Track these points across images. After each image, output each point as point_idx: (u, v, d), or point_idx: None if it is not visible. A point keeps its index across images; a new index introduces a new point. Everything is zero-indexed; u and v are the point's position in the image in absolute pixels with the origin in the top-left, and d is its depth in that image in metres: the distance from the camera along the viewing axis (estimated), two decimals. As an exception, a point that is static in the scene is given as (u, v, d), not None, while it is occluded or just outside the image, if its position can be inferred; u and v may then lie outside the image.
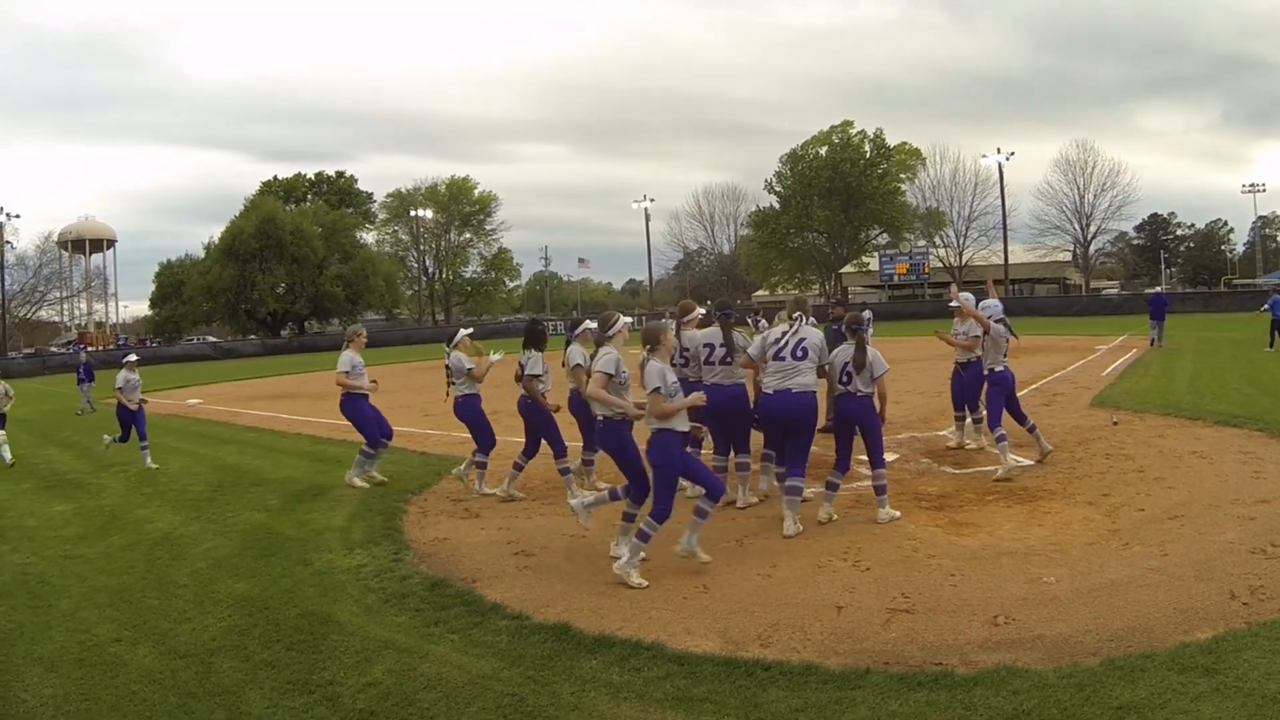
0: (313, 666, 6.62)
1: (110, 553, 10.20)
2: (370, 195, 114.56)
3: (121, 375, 17.65)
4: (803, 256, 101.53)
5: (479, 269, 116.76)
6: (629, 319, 10.20)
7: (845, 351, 10.14)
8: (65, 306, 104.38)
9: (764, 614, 7.35)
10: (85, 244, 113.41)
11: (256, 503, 12.40)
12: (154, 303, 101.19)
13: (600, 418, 9.08)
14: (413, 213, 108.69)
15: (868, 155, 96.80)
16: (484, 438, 12.67)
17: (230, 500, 12.65)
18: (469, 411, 12.67)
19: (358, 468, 13.30)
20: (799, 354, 9.97)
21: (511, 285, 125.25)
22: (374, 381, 13.67)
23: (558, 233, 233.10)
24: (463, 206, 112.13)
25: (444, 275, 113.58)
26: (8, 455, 17.56)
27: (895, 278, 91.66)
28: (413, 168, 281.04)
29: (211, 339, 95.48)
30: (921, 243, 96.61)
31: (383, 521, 10.90)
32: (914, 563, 8.47)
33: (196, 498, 12.96)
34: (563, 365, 11.83)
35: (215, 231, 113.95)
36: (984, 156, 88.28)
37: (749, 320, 17.02)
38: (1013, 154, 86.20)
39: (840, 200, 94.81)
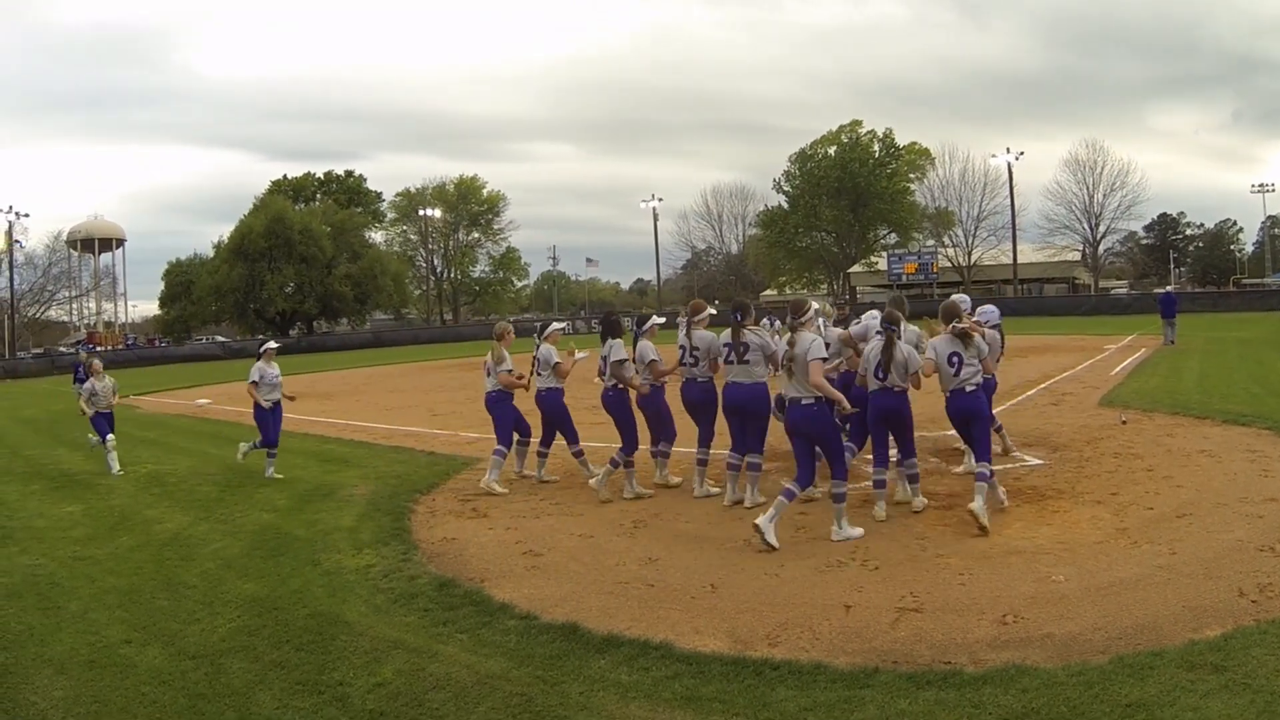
0: (322, 667, 6.63)
1: (119, 554, 10.20)
2: (379, 195, 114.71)
3: (256, 368, 14.69)
4: (811, 256, 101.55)
5: (487, 268, 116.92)
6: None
7: (875, 348, 10.26)
8: (74, 306, 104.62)
9: (772, 613, 7.35)
10: (94, 243, 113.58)
11: (265, 503, 12.41)
12: (163, 302, 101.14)
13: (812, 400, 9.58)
14: (421, 212, 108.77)
15: (877, 155, 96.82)
16: (568, 431, 12.84)
17: (239, 500, 12.66)
18: (552, 405, 12.79)
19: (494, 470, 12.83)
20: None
21: (519, 285, 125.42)
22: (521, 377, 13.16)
23: (566, 232, 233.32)
24: (471, 206, 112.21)
25: (452, 275, 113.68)
26: (115, 465, 15.97)
27: (904, 277, 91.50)
28: (423, 166, 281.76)
29: (220, 339, 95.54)
30: (930, 242, 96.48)
31: (391, 522, 10.91)
32: (922, 562, 8.46)
33: (205, 498, 12.97)
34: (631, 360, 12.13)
35: (224, 231, 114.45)
36: (993, 156, 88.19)
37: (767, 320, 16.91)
38: (1022, 153, 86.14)
39: (849, 200, 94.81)
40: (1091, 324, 53.73)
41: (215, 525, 11.31)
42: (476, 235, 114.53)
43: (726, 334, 11.07)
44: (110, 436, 16.30)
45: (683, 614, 7.44)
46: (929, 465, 12.63)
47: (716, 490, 11.63)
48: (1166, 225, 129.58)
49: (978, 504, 9.37)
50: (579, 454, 12.82)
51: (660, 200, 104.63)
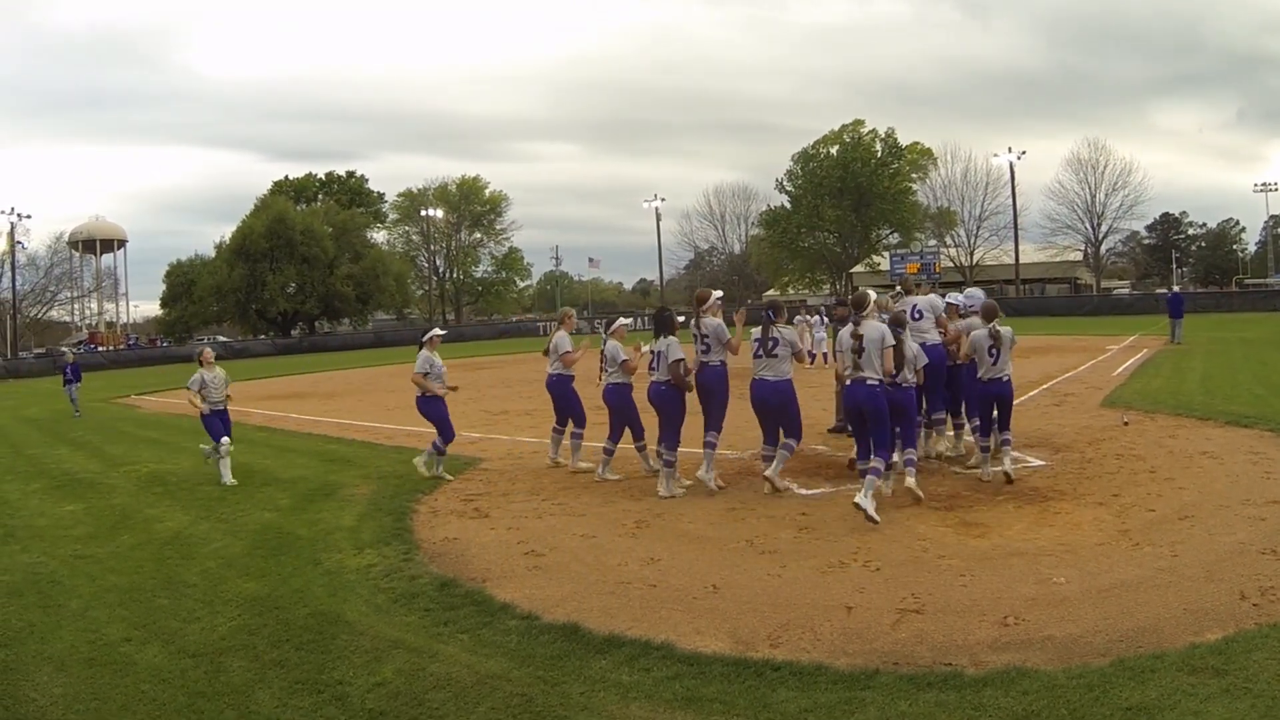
0: (322, 666, 6.63)
1: (120, 552, 10.21)
2: (381, 195, 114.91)
3: (425, 358, 14.08)
4: (813, 256, 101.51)
5: (489, 268, 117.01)
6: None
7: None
8: (76, 306, 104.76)
9: (773, 614, 7.34)
10: (96, 244, 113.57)
11: (266, 502, 12.42)
12: (164, 303, 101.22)
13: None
14: (423, 212, 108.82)
15: (879, 155, 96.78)
16: (634, 425, 13.07)
17: (240, 500, 12.66)
18: (620, 399, 12.97)
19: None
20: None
21: (522, 285, 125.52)
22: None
23: (569, 232, 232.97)
24: (473, 206, 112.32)
25: (454, 275, 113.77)
26: (227, 474, 14.20)
27: (906, 277, 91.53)
28: (425, 166, 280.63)
29: (222, 339, 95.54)
30: (932, 242, 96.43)
31: (392, 521, 10.92)
32: (924, 563, 8.45)
33: (206, 497, 12.97)
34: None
35: (226, 231, 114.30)
36: (995, 155, 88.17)
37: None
38: (1024, 153, 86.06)
39: (851, 200, 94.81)
40: (1093, 324, 53.73)
41: (216, 524, 11.32)
42: (479, 235, 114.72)
43: (757, 330, 11.59)
44: (226, 440, 14.40)
45: (684, 614, 7.44)
46: (930, 465, 12.63)
47: (721, 485, 11.95)
48: (1169, 225, 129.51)
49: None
50: (641, 448, 13.19)
51: (663, 200, 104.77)
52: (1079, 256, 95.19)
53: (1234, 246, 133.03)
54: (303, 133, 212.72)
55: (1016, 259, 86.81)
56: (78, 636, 7.51)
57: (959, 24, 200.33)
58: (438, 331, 14.21)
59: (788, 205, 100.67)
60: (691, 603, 7.72)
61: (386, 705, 5.93)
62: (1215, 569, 7.78)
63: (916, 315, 12.69)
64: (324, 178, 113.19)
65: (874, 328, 10.56)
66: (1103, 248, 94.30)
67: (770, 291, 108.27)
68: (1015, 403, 12.59)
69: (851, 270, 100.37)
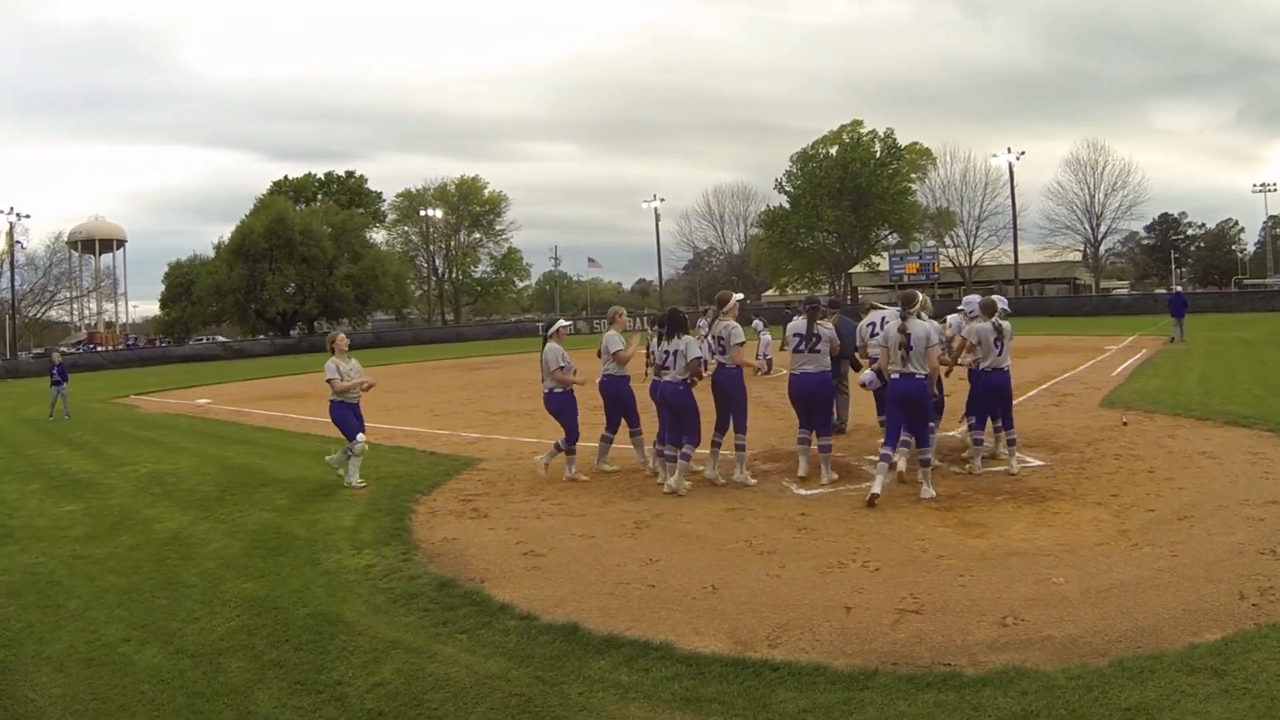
0: (321, 666, 6.62)
1: (119, 553, 10.20)
2: (380, 195, 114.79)
3: (561, 353, 13.28)
4: (812, 256, 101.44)
5: (489, 269, 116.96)
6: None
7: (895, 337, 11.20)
8: (75, 306, 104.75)
9: (772, 614, 7.34)
10: (95, 244, 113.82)
11: (265, 503, 12.41)
12: (163, 303, 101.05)
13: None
14: (422, 213, 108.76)
15: (878, 155, 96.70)
16: (630, 416, 13.38)
17: (239, 500, 12.65)
18: (615, 390, 13.26)
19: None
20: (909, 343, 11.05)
21: (521, 285, 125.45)
22: None
23: (568, 232, 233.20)
24: (472, 206, 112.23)
25: (453, 275, 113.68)
26: (355, 476, 13.33)
27: (905, 277, 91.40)
28: (424, 166, 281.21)
29: (221, 339, 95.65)
30: (931, 243, 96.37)
31: (391, 522, 10.91)
32: (923, 563, 8.45)
33: (205, 498, 12.97)
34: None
35: (225, 231, 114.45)
36: (994, 156, 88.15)
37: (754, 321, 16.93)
38: (1023, 153, 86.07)
39: (850, 200, 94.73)
40: (1092, 324, 53.76)
41: (215, 525, 11.31)
42: (478, 236, 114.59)
43: (799, 324, 12.20)
44: (362, 437, 13.52)
45: (683, 615, 7.44)
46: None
47: (720, 480, 12.20)
48: (1168, 225, 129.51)
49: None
50: (638, 440, 13.42)
51: (662, 200, 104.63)
52: (1078, 257, 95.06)
53: (1233, 247, 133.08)
54: (302, 133, 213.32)
55: (1015, 259, 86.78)
56: (76, 637, 7.50)
57: (959, 24, 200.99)
58: (563, 323, 13.91)
59: (787, 206, 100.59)
60: (690, 603, 7.72)
61: (385, 705, 5.93)
62: (1214, 569, 7.78)
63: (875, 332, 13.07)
64: (323, 178, 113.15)
65: (920, 326, 11.07)
66: (1102, 248, 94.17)
67: (769, 292, 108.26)
68: (1014, 403, 12.69)
69: (850, 270, 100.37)
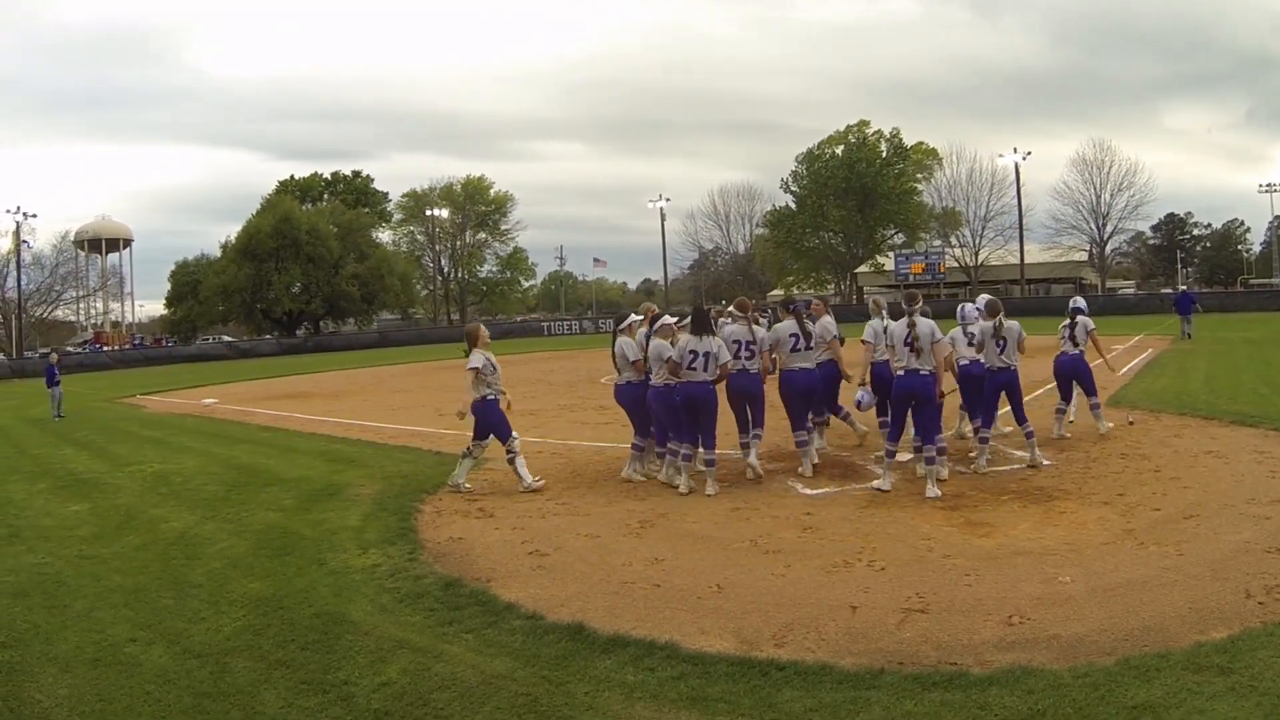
0: (327, 666, 6.63)
1: (125, 552, 10.21)
2: (386, 195, 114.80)
3: (655, 345, 12.24)
4: (818, 256, 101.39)
5: (494, 268, 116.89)
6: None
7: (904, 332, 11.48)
8: (81, 306, 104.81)
9: (778, 614, 7.34)
10: (101, 243, 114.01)
11: (271, 502, 12.41)
12: (170, 302, 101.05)
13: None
14: (428, 212, 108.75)
15: (884, 155, 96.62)
16: (641, 424, 13.08)
17: (245, 500, 12.65)
18: (632, 398, 13.00)
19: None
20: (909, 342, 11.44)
21: (527, 285, 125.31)
22: None
23: (573, 231, 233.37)
24: (478, 206, 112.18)
25: (459, 275, 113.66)
26: (527, 475, 12.62)
27: (911, 277, 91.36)
28: (430, 166, 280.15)
29: (227, 338, 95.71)
30: (937, 243, 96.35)
31: (397, 521, 10.91)
32: (929, 563, 8.45)
33: (211, 497, 12.97)
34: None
35: (231, 231, 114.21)
36: (1000, 156, 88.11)
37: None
38: (1029, 153, 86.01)
39: (856, 200, 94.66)
40: (1098, 324, 53.50)
41: (221, 524, 11.31)
42: (484, 235, 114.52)
43: (790, 324, 12.67)
44: (516, 436, 12.86)
45: (689, 614, 7.44)
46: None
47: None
48: (1174, 225, 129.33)
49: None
50: (641, 451, 13.13)
51: (667, 200, 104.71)
52: (1084, 257, 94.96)
53: (1239, 247, 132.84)
54: (309, 132, 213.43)
55: (1021, 259, 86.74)
56: (83, 637, 7.51)
57: (968, 23, 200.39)
58: (636, 318, 13.29)
59: (792, 205, 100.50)
60: (696, 603, 7.72)
61: (391, 705, 5.94)
62: (1220, 568, 7.78)
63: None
64: (329, 177, 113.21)
65: (925, 323, 11.41)
66: (1108, 248, 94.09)
67: (775, 292, 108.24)
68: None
69: (856, 270, 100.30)
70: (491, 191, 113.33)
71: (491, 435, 12.83)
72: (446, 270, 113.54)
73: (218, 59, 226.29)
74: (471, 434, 13.02)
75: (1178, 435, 14.13)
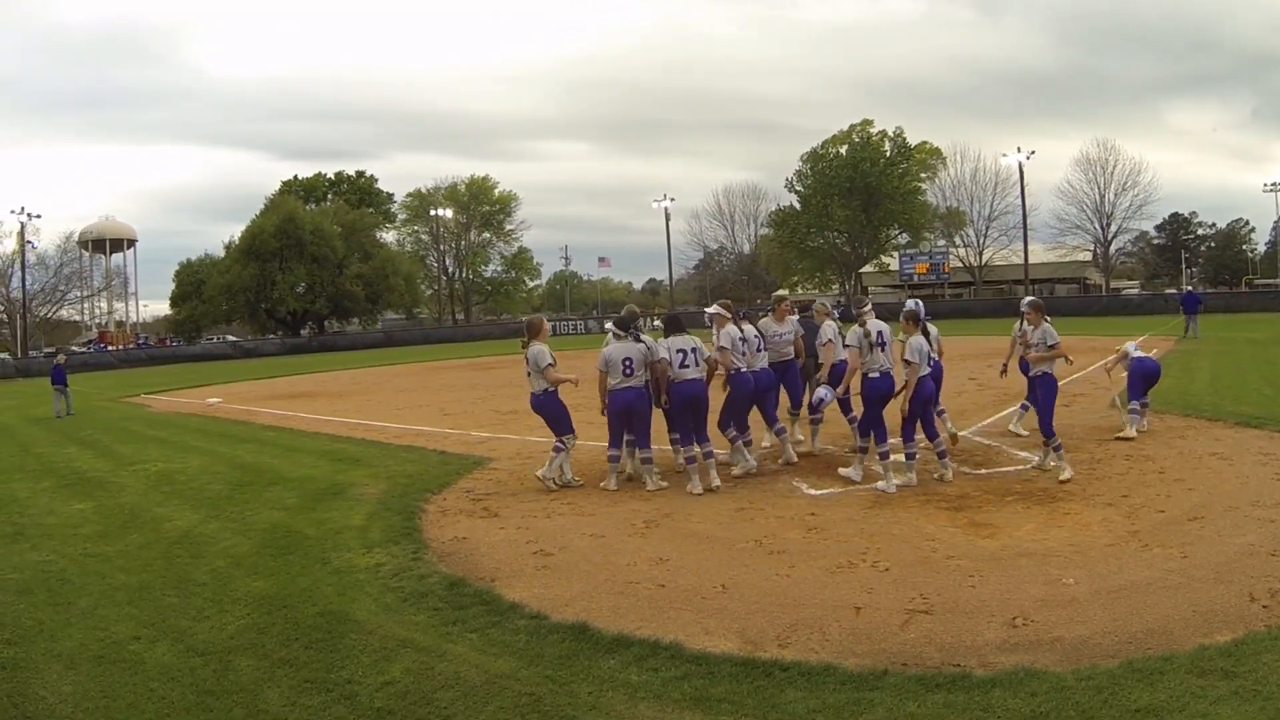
0: (331, 665, 6.64)
1: (129, 551, 10.23)
2: (390, 195, 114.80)
3: (731, 331, 12.56)
4: (822, 256, 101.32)
5: (499, 268, 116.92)
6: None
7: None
8: (86, 306, 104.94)
9: (782, 614, 7.34)
10: (106, 244, 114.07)
11: (275, 501, 12.42)
12: (174, 302, 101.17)
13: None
14: (432, 212, 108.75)
15: (888, 155, 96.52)
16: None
17: (249, 499, 12.67)
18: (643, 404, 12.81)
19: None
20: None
21: (531, 285, 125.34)
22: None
23: (578, 231, 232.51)
24: (483, 206, 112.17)
25: (464, 275, 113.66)
26: (570, 471, 12.77)
27: (915, 277, 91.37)
28: (434, 165, 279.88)
29: (231, 338, 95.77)
30: (941, 242, 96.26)
31: (401, 521, 10.92)
32: (932, 564, 8.45)
33: (215, 496, 12.99)
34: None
35: (235, 231, 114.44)
36: (1004, 155, 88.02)
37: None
38: (1033, 153, 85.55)
39: (860, 200, 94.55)
40: (1103, 324, 53.57)
41: (225, 523, 11.33)
42: (488, 235, 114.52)
43: (749, 328, 12.97)
44: (573, 434, 12.78)
45: (693, 614, 7.44)
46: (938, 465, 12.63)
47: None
48: (1178, 225, 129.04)
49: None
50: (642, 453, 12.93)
51: (672, 200, 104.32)
52: (1088, 257, 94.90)
53: (1243, 247, 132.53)
54: (312, 132, 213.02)
55: (1026, 259, 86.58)
56: (87, 635, 7.53)
57: (971, 22, 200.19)
58: (715, 311, 13.11)
59: (797, 205, 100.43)
60: (700, 603, 7.72)
61: (395, 704, 5.94)
62: (1225, 571, 7.77)
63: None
64: (333, 177, 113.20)
65: (877, 324, 11.88)
66: (1112, 248, 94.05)
67: (780, 291, 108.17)
68: (1023, 402, 12.81)
69: (861, 270, 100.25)
70: (496, 191, 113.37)
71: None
72: (451, 270, 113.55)
73: (219, 59, 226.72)
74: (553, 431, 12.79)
75: (1182, 437, 14.11)
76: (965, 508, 10.39)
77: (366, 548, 9.81)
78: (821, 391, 13.18)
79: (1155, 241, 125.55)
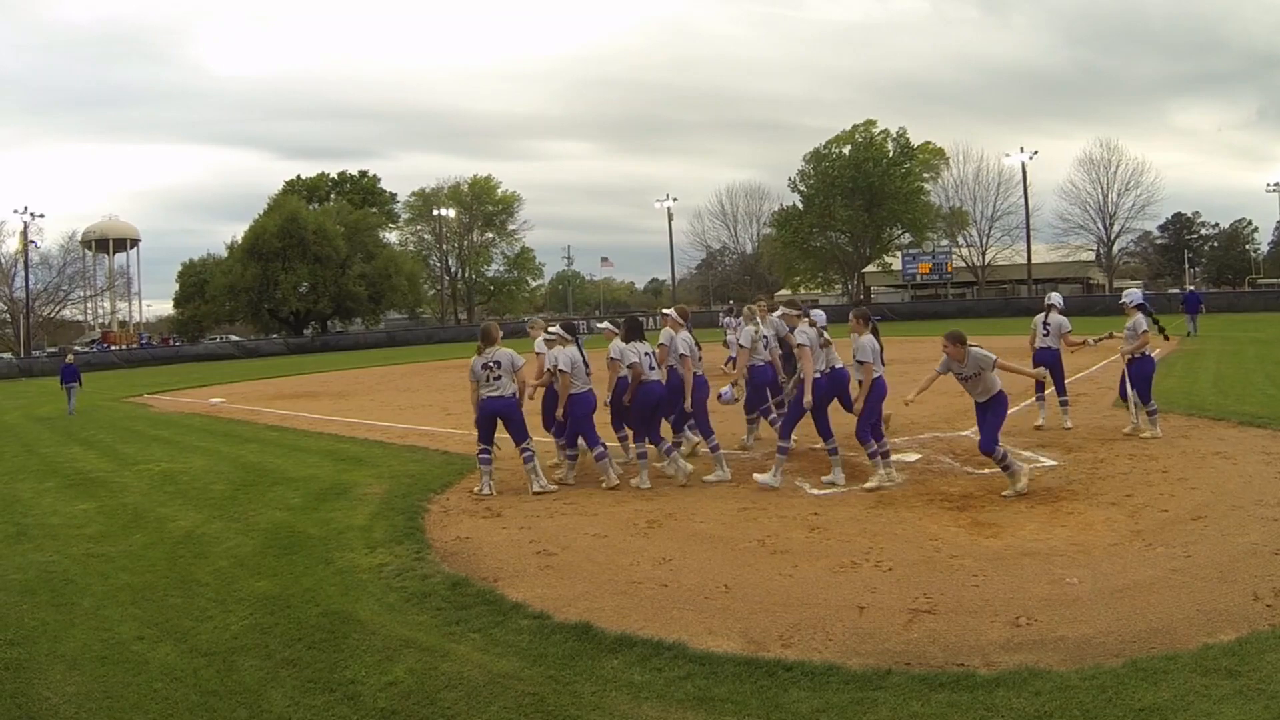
0: (334, 665, 6.64)
1: (133, 551, 10.24)
2: (393, 195, 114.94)
3: (751, 331, 13.70)
4: (825, 256, 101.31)
5: (501, 268, 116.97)
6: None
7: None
8: (89, 306, 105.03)
9: (785, 614, 7.34)
10: (109, 243, 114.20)
11: (278, 501, 12.43)
12: (177, 302, 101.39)
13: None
14: (435, 212, 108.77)
15: (891, 154, 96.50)
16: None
17: (252, 499, 12.68)
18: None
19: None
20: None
21: (534, 284, 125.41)
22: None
23: (581, 231, 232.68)
24: (485, 206, 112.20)
25: (466, 274, 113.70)
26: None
27: (918, 277, 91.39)
28: (438, 165, 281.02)
29: (234, 338, 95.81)
30: (944, 242, 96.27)
31: (404, 521, 10.92)
32: (936, 563, 8.44)
33: (218, 496, 12.99)
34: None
35: (238, 230, 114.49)
36: (1007, 155, 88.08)
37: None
38: (1036, 153, 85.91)
39: (863, 200, 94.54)
40: (1106, 324, 53.34)
41: (228, 523, 11.33)
42: (491, 235, 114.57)
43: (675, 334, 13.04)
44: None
45: (696, 614, 7.44)
46: (943, 465, 12.63)
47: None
48: (1181, 225, 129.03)
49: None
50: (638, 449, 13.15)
51: (675, 200, 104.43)
52: (1091, 257, 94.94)
53: (1246, 246, 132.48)
54: (315, 131, 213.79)
55: (1029, 259, 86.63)
56: (90, 635, 7.53)
57: (977, 21, 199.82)
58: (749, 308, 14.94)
59: (800, 205, 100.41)
60: (703, 603, 7.72)
61: (398, 704, 5.94)
62: (1228, 570, 7.76)
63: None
64: (336, 177, 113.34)
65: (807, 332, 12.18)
66: (1115, 248, 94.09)
67: (782, 291, 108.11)
68: (1026, 403, 12.75)
69: (863, 270, 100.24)
70: (499, 191, 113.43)
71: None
72: (454, 270, 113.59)
73: (223, 58, 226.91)
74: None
75: (1186, 436, 14.09)
76: (968, 507, 10.38)
77: (370, 548, 9.81)
78: (725, 390, 13.84)
79: (1158, 241, 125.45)
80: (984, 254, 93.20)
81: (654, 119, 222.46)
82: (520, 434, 12.44)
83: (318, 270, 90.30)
